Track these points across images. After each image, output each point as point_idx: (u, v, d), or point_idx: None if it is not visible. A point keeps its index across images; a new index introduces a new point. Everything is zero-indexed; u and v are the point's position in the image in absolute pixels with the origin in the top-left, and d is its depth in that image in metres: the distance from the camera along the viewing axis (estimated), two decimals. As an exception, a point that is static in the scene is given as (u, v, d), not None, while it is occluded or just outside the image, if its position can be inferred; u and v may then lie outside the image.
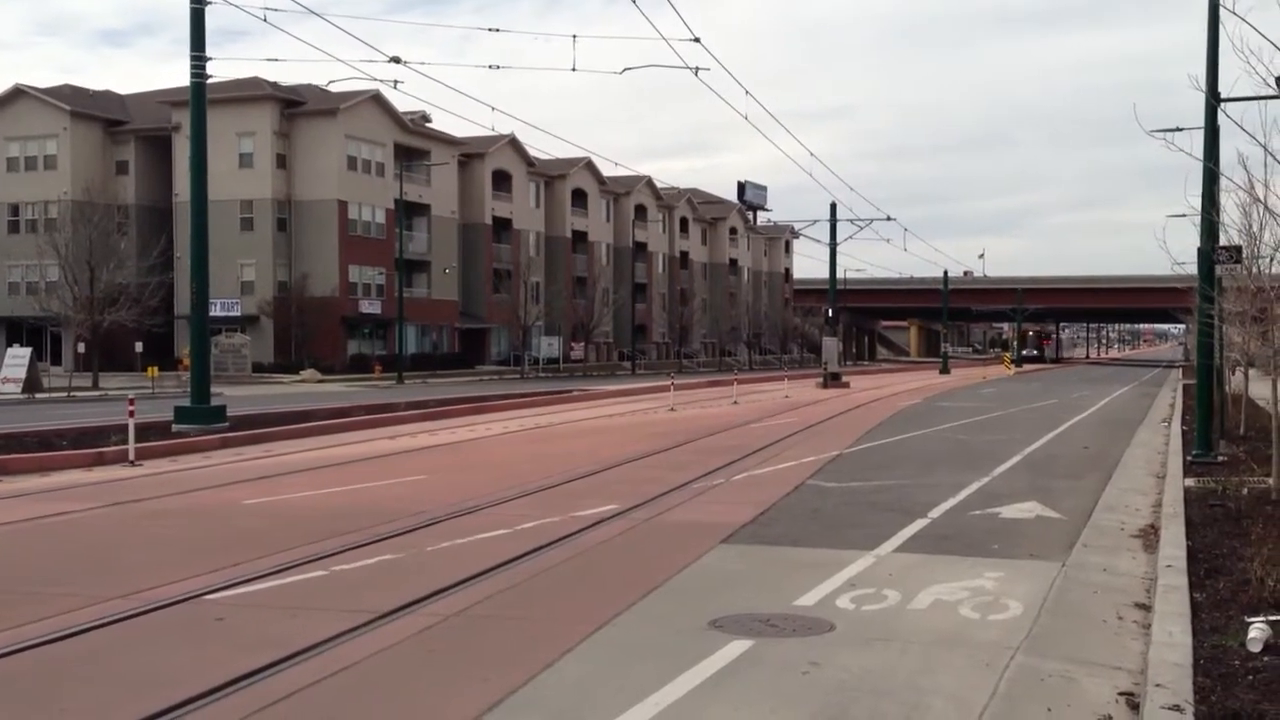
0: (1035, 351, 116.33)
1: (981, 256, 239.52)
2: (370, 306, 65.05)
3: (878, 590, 8.40)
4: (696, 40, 24.00)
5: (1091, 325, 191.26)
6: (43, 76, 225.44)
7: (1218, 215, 15.69)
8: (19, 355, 40.03)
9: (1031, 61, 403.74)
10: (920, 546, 10.29)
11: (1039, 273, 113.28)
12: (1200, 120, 16.44)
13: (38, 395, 37.25)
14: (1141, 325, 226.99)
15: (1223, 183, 15.37)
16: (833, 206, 52.96)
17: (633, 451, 18.90)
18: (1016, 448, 19.99)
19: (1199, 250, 16.70)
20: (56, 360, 57.92)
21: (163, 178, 64.46)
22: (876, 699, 5.92)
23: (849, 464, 17.34)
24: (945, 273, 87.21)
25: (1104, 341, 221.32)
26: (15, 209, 65.16)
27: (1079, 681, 6.29)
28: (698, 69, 25.53)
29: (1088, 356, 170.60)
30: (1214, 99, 14.96)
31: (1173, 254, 21.62)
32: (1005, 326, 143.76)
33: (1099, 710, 5.80)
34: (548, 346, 71.47)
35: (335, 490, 14.03)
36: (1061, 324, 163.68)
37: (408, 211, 63.95)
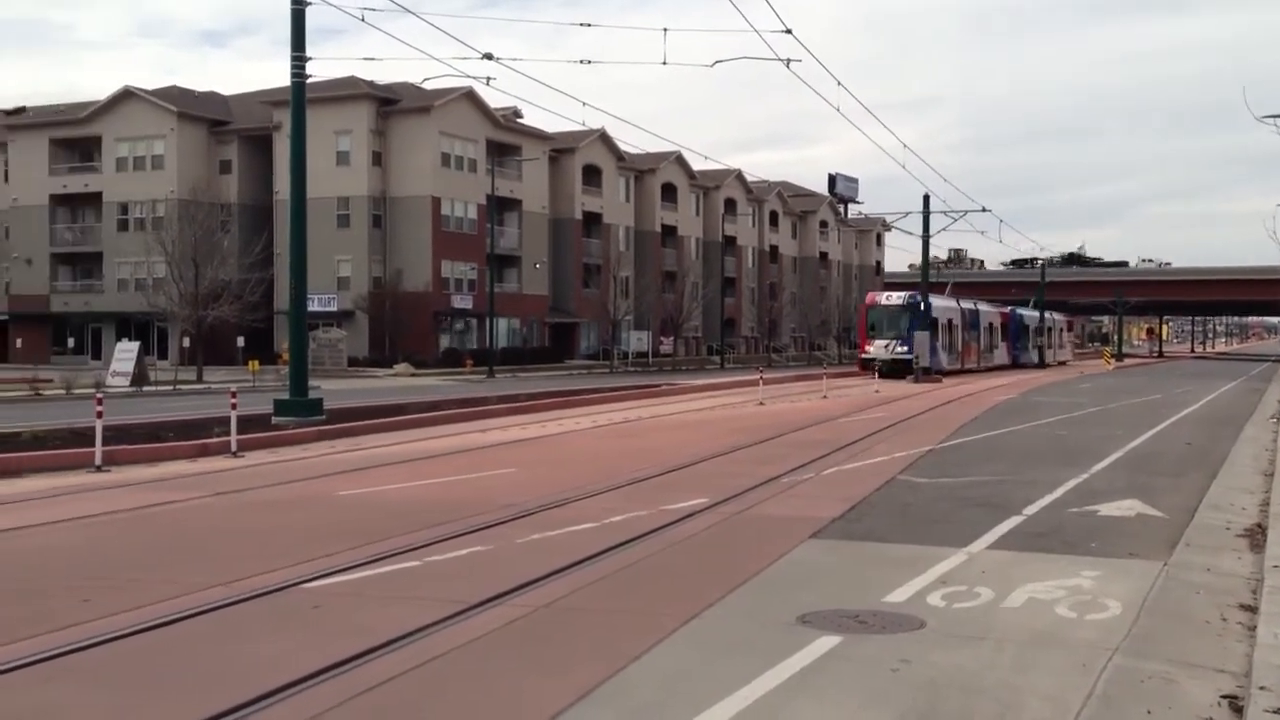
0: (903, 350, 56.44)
1: (1080, 249, 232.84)
2: (462, 301, 65.86)
3: (970, 588, 8.26)
4: (788, 32, 23.78)
5: (1196, 319, 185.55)
6: (144, 77, 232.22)
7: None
8: (128, 350, 41.22)
9: (1117, 48, 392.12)
10: (1014, 544, 10.09)
11: (1139, 264, 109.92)
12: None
13: (145, 388, 38.39)
14: (1250, 318, 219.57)
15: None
16: (925, 198, 52.10)
17: (721, 446, 18.85)
18: (1116, 444, 19.49)
19: (1311, 240, 16.08)
20: (163, 354, 59.77)
21: (263, 176, 66.06)
22: (968, 697, 5.82)
23: (941, 459, 17.07)
24: (1042, 265, 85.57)
25: (1209, 335, 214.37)
26: (124, 207, 67.33)
27: (1180, 683, 6.11)
28: (789, 60, 25.26)
29: (1192, 350, 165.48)
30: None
31: (1283, 244, 20.85)
32: (1105, 320, 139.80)
33: (1200, 713, 5.63)
34: (636, 341, 71.64)
35: (428, 482, 14.24)
36: (1165, 317, 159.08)
37: (499, 207, 64.62)
